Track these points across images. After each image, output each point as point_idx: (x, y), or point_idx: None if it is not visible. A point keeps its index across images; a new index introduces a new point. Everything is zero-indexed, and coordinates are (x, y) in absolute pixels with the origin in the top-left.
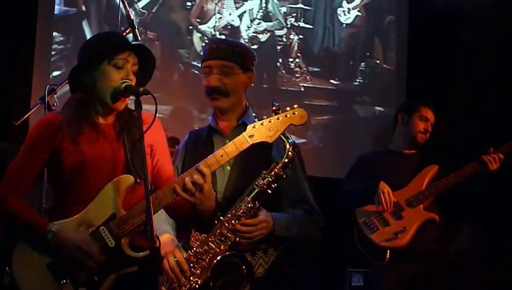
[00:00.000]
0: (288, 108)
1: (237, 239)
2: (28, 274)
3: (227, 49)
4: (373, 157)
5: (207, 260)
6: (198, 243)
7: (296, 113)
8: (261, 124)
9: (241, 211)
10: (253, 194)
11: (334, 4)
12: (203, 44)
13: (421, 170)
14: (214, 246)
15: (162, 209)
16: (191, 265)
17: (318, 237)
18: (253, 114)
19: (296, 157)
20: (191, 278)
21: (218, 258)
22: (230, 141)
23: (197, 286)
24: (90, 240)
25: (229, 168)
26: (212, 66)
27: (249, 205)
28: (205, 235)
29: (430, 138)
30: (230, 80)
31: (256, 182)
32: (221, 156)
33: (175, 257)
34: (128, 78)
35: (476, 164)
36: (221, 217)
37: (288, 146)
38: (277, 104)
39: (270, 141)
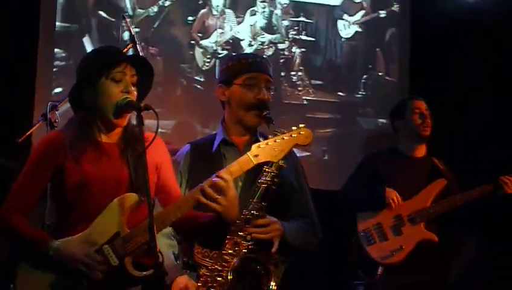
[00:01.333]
0: (294, 127)
1: (250, 246)
2: None
3: (267, 65)
4: (379, 158)
5: (224, 274)
6: (209, 260)
7: (301, 133)
8: (266, 144)
9: (249, 214)
10: (258, 194)
11: (334, 15)
12: (205, 59)
13: (427, 176)
14: (229, 259)
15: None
16: (208, 286)
17: (317, 249)
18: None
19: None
20: None
21: (235, 263)
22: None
23: None
24: (93, 254)
25: (240, 183)
26: (259, 79)
27: (257, 205)
28: (217, 252)
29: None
30: (270, 96)
31: (259, 180)
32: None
33: None
34: (127, 90)
35: (491, 186)
36: (231, 227)
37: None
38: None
39: (275, 161)
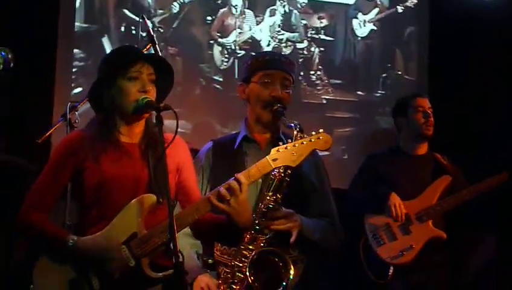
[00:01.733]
0: (313, 132)
1: (267, 239)
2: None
3: (287, 62)
4: (382, 158)
5: (244, 270)
6: (228, 257)
7: (320, 138)
8: (285, 148)
9: (264, 207)
10: (272, 187)
11: (349, 14)
12: (223, 58)
13: (431, 173)
14: (247, 254)
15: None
16: (229, 282)
17: (338, 249)
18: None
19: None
20: None
21: (253, 257)
22: (265, 154)
23: None
24: (112, 247)
25: (260, 180)
26: (274, 76)
27: (271, 198)
28: (235, 249)
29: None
30: (287, 94)
31: (273, 173)
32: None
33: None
34: (144, 88)
35: (499, 178)
36: None
37: (295, 132)
38: (297, 126)
39: (293, 165)
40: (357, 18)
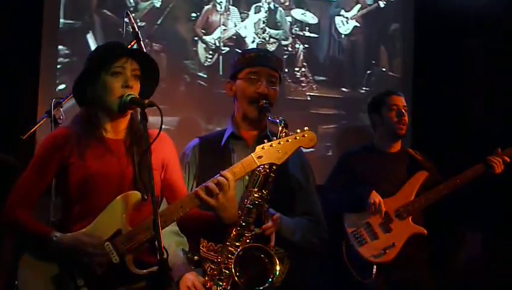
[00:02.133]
0: (298, 130)
1: (253, 235)
2: (34, 287)
3: (274, 59)
4: (357, 156)
5: (230, 266)
6: (214, 253)
7: (305, 135)
8: (270, 146)
9: (249, 203)
10: (258, 183)
11: (331, 12)
12: (207, 54)
13: (406, 169)
14: (233, 250)
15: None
16: (215, 279)
17: (320, 249)
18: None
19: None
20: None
21: (238, 253)
22: (252, 151)
23: None
24: (92, 241)
25: (247, 177)
26: (260, 73)
27: (256, 194)
28: (220, 245)
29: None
30: (273, 91)
31: (258, 169)
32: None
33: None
34: (127, 84)
35: (481, 166)
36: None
37: (280, 128)
38: (282, 122)
39: (278, 163)
40: (340, 15)
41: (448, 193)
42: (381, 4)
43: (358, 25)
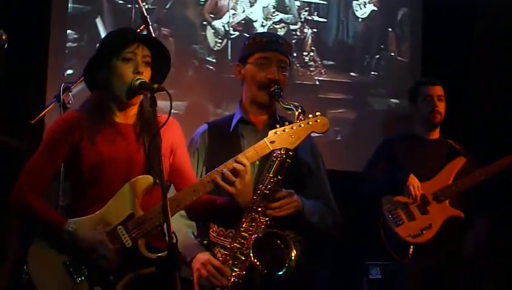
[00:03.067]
0: (310, 115)
1: (268, 221)
2: (44, 272)
3: (284, 44)
4: (397, 142)
5: (245, 252)
6: (224, 238)
7: (318, 121)
8: (283, 130)
9: (265, 188)
10: (273, 168)
11: None
12: (217, 39)
13: (445, 156)
14: (247, 235)
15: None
16: (229, 263)
17: (335, 233)
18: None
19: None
20: (233, 275)
21: (254, 239)
22: (262, 136)
23: (240, 281)
24: (106, 241)
25: (257, 162)
26: (271, 58)
27: (272, 179)
28: (233, 230)
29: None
30: (283, 76)
31: (274, 154)
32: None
33: (212, 265)
34: (138, 70)
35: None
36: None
37: (297, 113)
38: (298, 108)
39: (291, 148)
40: (357, 0)
41: (485, 179)
42: None
43: (375, 9)
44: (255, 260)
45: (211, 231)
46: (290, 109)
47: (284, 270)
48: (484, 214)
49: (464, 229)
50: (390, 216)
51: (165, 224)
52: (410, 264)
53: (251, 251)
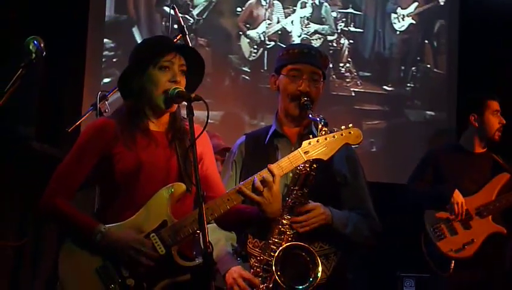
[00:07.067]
0: (343, 127)
1: (295, 233)
2: (75, 277)
3: (317, 56)
4: (443, 154)
5: (271, 264)
6: (258, 250)
7: (351, 132)
8: (317, 141)
9: (291, 201)
10: (298, 181)
11: (387, 9)
12: (252, 49)
13: (489, 170)
14: (275, 248)
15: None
16: (260, 275)
17: (373, 242)
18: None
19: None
20: (261, 288)
21: (280, 252)
22: (295, 148)
23: None
24: (142, 238)
25: (291, 174)
26: (302, 70)
27: (298, 193)
28: (264, 242)
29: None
30: (316, 89)
31: (298, 169)
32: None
33: (243, 278)
34: (175, 79)
35: None
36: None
37: (320, 126)
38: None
39: (325, 159)
40: (396, 13)
41: None
42: (441, 2)
43: (414, 22)
44: (277, 274)
45: (248, 241)
46: (315, 121)
47: (306, 285)
48: None
49: (506, 244)
50: (432, 230)
51: (202, 233)
52: (448, 277)
53: (273, 265)
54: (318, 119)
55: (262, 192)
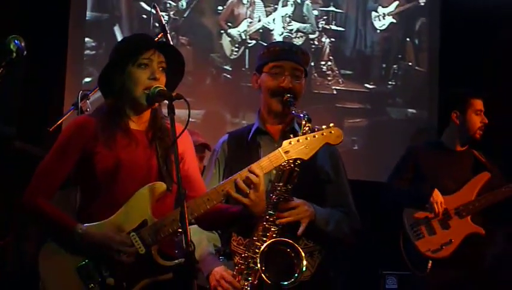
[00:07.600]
0: (324, 126)
1: (279, 230)
2: (56, 276)
3: (299, 53)
4: (423, 151)
5: (256, 260)
6: (243, 248)
7: (332, 132)
8: (297, 141)
9: (275, 198)
10: (282, 177)
11: (368, 7)
12: (233, 48)
13: (470, 168)
14: (259, 245)
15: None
16: (244, 273)
17: (352, 240)
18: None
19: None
20: (245, 285)
21: (265, 248)
22: (279, 145)
23: None
24: (122, 238)
25: (274, 171)
26: (284, 67)
27: (283, 189)
28: (248, 239)
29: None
30: (299, 85)
31: (282, 165)
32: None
33: (225, 279)
34: (154, 76)
35: None
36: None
37: (303, 122)
38: (305, 116)
39: (306, 158)
40: (376, 12)
41: (508, 196)
42: (421, 2)
43: (394, 21)
44: (262, 269)
45: (232, 239)
46: (299, 117)
47: (292, 280)
48: (504, 229)
49: (484, 244)
50: (411, 229)
51: (183, 233)
52: (428, 276)
53: (258, 261)
54: (302, 115)
55: (249, 193)
